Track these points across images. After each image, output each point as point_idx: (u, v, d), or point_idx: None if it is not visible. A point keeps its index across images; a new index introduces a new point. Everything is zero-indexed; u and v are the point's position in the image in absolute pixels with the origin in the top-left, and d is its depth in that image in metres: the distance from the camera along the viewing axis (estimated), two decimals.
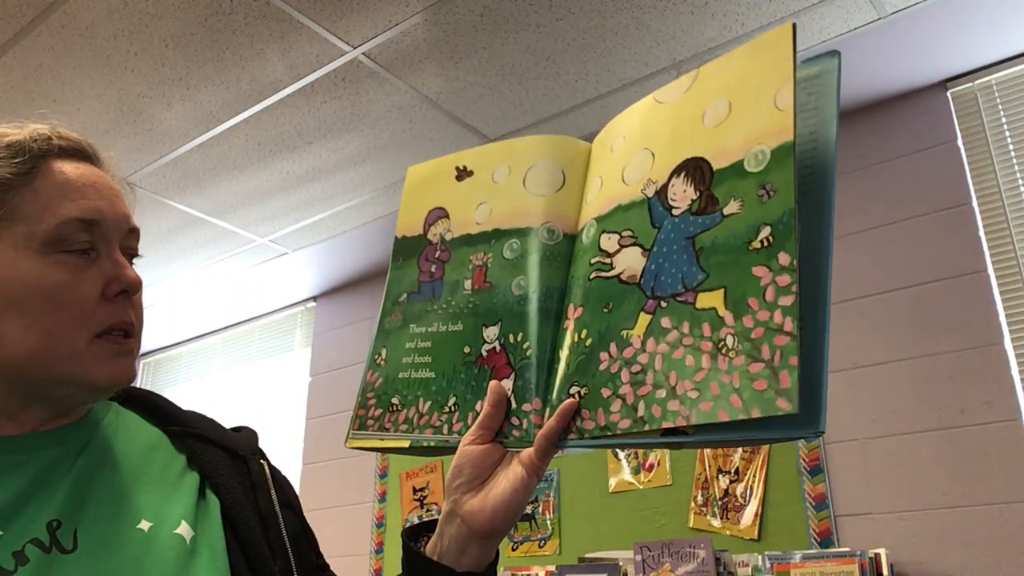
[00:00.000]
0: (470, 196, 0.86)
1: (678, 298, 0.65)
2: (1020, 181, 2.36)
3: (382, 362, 0.86)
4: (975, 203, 2.39)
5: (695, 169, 0.68)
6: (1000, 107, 2.43)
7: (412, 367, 0.83)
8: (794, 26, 0.66)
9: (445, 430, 0.77)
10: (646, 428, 0.64)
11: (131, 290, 0.70)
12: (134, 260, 0.74)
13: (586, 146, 0.83)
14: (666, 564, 2.32)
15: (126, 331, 0.70)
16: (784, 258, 0.60)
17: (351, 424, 0.86)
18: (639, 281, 0.69)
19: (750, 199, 0.63)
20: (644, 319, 0.67)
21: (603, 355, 0.69)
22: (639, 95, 2.50)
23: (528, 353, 0.74)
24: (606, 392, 0.67)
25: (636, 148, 0.75)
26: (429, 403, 0.80)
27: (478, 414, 0.74)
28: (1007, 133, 2.41)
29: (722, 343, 0.61)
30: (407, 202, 0.93)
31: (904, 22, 2.21)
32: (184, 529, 0.69)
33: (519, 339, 0.75)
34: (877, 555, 2.08)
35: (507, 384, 0.74)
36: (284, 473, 0.84)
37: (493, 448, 0.73)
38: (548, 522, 2.95)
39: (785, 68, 0.65)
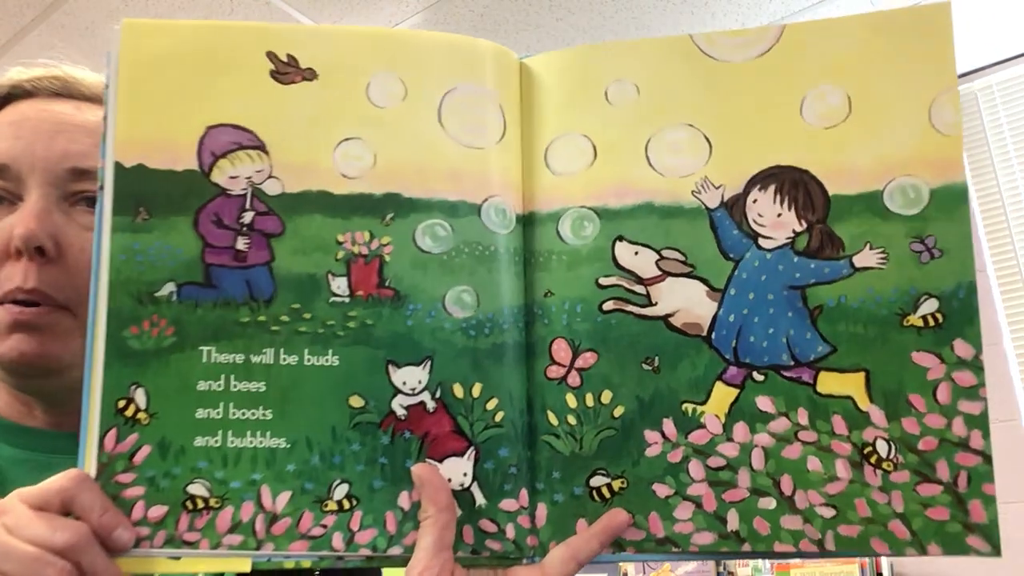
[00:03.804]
0: (319, 120, 0.50)
1: (783, 372, 0.48)
2: (1020, 181, 2.36)
3: (143, 416, 0.47)
4: (975, 203, 2.39)
5: (795, 186, 0.49)
6: (1000, 107, 2.43)
7: (226, 427, 0.48)
8: (948, 5, 0.48)
9: (338, 543, 0.47)
10: (745, 548, 0.47)
11: (21, 245, 0.54)
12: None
13: (516, 61, 0.53)
14: (666, 564, 2.31)
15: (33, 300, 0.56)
16: (964, 349, 0.47)
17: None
18: (709, 335, 0.49)
19: (899, 252, 0.47)
20: (725, 393, 0.49)
21: (651, 435, 0.49)
22: None
23: (499, 418, 0.48)
24: (663, 490, 0.48)
25: (670, 118, 0.51)
26: (289, 494, 0.47)
27: (405, 514, 0.47)
28: (1007, 133, 2.41)
29: (869, 448, 0.47)
30: (133, 91, 0.50)
31: None
32: None
33: (476, 393, 0.49)
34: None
35: (459, 465, 0.48)
36: None
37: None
38: None
39: (945, 68, 0.48)
